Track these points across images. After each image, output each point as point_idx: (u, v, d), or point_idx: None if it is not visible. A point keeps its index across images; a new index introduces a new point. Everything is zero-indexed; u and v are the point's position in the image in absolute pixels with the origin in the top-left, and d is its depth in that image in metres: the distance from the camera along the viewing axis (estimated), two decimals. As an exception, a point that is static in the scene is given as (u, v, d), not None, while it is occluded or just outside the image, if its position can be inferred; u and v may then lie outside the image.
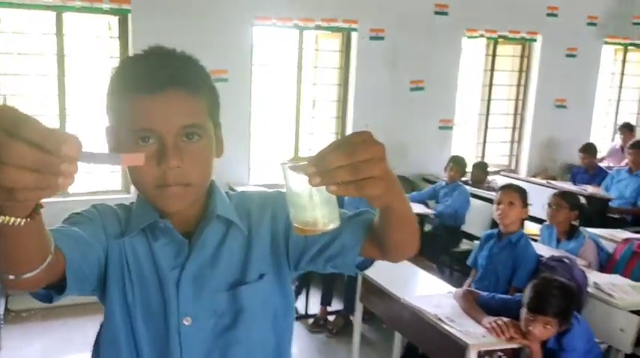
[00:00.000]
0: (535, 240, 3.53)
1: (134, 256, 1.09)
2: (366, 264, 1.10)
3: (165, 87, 0.97)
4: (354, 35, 5.50)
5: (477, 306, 2.58)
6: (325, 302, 4.15)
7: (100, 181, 4.86)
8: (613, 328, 2.70)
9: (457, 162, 5.00)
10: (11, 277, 0.83)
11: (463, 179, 5.37)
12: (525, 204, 3.16)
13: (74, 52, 4.65)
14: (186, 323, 1.08)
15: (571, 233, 3.50)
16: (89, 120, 4.83)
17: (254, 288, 1.10)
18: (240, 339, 1.10)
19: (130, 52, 4.71)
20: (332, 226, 0.79)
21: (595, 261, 3.38)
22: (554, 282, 2.47)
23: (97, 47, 4.81)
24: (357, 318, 3.15)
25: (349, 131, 5.59)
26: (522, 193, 3.19)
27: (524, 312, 2.42)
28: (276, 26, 5.20)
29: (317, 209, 0.77)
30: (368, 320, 3.87)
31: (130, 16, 4.64)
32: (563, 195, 3.62)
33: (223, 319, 1.09)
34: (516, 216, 3.13)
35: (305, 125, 5.60)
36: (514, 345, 2.36)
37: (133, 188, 4.71)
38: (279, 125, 6.15)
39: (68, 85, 4.60)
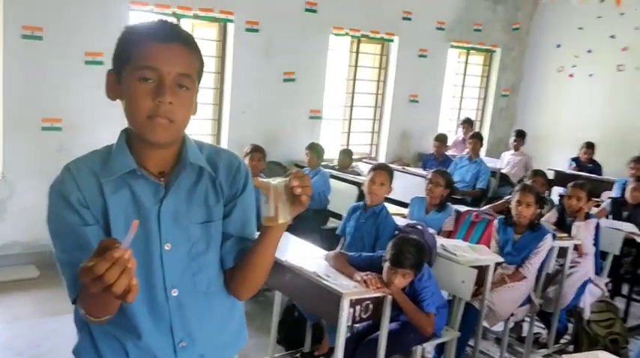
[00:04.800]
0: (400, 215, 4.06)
1: (115, 195, 1.28)
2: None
3: (173, 40, 1.25)
4: (230, 26, 5.73)
5: (347, 264, 2.97)
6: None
7: None
8: (456, 281, 3.23)
9: (313, 149, 5.30)
10: (94, 319, 1.20)
11: (330, 164, 5.85)
12: (391, 184, 3.60)
13: None
14: (167, 248, 1.32)
15: (441, 206, 4.10)
16: None
17: (217, 225, 1.38)
18: (209, 261, 1.38)
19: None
20: (287, 220, 1.27)
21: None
22: (410, 240, 2.96)
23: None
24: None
25: (226, 118, 5.84)
26: (391, 176, 3.60)
27: (386, 266, 2.88)
28: (154, 12, 5.25)
29: (278, 209, 1.25)
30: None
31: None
32: (442, 174, 4.16)
33: (198, 245, 1.36)
34: (384, 194, 3.56)
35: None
36: (379, 294, 2.78)
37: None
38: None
39: None
